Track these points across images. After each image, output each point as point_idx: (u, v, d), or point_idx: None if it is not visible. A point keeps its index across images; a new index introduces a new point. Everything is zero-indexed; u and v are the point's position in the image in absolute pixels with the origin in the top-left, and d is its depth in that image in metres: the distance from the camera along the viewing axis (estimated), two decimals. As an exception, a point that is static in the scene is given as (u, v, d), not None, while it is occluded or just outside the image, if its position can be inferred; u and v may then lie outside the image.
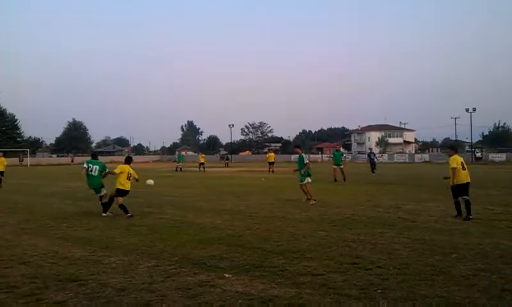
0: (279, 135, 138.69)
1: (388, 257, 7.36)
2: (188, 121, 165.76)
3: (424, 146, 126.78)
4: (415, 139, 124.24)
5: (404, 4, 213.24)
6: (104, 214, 12.43)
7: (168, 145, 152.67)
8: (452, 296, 5.37)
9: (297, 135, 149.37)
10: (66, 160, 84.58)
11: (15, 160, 64.77)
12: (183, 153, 72.37)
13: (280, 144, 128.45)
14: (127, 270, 6.78)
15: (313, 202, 14.80)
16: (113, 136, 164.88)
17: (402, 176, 29.78)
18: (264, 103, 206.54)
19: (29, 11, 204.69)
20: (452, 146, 14.05)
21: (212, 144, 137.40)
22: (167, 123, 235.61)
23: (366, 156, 38.62)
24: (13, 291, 5.81)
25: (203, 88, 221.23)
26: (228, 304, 5.22)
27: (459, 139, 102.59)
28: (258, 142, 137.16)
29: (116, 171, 12.62)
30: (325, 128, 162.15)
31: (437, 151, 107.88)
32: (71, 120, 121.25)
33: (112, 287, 5.90)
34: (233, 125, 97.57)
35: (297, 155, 16.31)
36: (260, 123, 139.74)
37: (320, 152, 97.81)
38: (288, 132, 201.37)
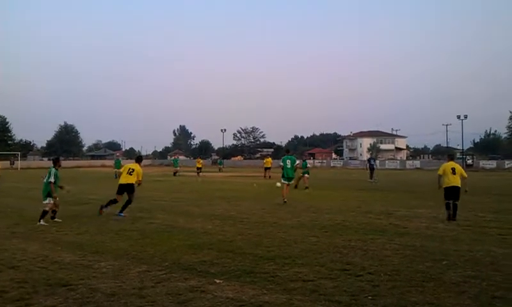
0: (271, 141, 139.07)
1: (379, 263, 7.37)
2: (180, 126, 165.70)
3: (415, 153, 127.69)
4: (407, 146, 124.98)
5: (400, 7, 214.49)
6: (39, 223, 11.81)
7: (159, 149, 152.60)
8: (443, 303, 5.39)
9: (289, 141, 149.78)
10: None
11: (6, 163, 64.35)
12: (178, 157, 72.31)
13: (272, 150, 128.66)
14: (117, 275, 6.74)
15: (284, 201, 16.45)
16: (105, 140, 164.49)
17: (393, 183, 29.90)
18: (255, 108, 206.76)
19: (16, 13, 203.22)
20: (448, 155, 16.29)
21: (204, 149, 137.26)
22: (159, 127, 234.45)
23: (366, 162, 38.63)
24: (2, 296, 5.76)
25: (195, 92, 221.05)
26: (219, 310, 5.20)
27: (450, 146, 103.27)
28: (250, 147, 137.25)
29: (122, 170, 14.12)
30: (317, 134, 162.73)
31: (428, 157, 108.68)
32: (62, 123, 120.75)
33: (102, 292, 5.86)
34: (225, 130, 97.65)
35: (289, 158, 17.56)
36: (253, 128, 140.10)
37: (312, 157, 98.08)
38: (281, 138, 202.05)
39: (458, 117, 72.51)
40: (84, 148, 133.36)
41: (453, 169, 12.57)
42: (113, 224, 11.75)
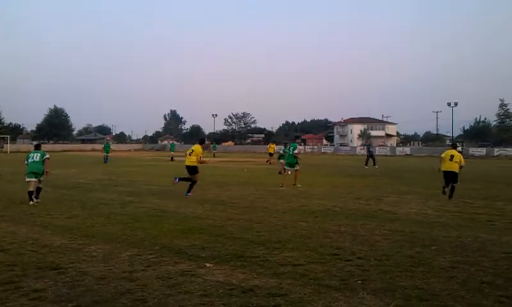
0: (262, 126, 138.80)
1: (368, 248, 7.42)
2: (171, 110, 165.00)
3: (405, 140, 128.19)
4: (397, 133, 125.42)
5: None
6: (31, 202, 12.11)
7: (150, 134, 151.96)
8: (432, 288, 5.43)
9: (280, 127, 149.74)
10: (47, 147, 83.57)
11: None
12: (175, 143, 72.58)
13: (263, 135, 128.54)
14: (107, 258, 6.72)
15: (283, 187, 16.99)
16: (95, 124, 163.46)
17: (383, 169, 30.00)
18: (246, 93, 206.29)
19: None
20: (452, 143, 19.15)
21: (195, 134, 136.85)
22: (150, 112, 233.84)
23: (365, 148, 38.90)
24: (-9, 279, 5.73)
25: (186, 77, 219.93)
26: (209, 294, 5.20)
27: (440, 133, 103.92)
28: (241, 132, 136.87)
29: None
30: (308, 120, 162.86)
31: (418, 144, 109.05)
32: (52, 107, 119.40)
33: (92, 275, 5.85)
34: (216, 115, 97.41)
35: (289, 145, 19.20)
36: (244, 113, 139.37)
37: (303, 143, 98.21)
38: (272, 123, 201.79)
39: (448, 104, 73.04)
40: (75, 132, 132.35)
41: (452, 156, 14.19)
42: (103, 208, 11.71)
